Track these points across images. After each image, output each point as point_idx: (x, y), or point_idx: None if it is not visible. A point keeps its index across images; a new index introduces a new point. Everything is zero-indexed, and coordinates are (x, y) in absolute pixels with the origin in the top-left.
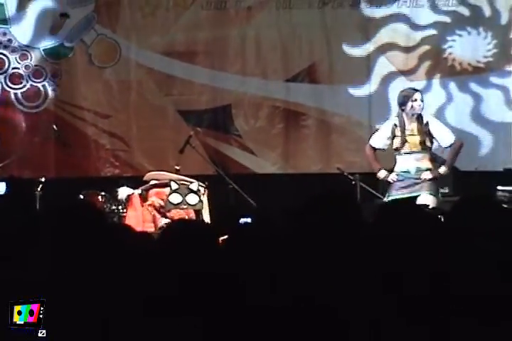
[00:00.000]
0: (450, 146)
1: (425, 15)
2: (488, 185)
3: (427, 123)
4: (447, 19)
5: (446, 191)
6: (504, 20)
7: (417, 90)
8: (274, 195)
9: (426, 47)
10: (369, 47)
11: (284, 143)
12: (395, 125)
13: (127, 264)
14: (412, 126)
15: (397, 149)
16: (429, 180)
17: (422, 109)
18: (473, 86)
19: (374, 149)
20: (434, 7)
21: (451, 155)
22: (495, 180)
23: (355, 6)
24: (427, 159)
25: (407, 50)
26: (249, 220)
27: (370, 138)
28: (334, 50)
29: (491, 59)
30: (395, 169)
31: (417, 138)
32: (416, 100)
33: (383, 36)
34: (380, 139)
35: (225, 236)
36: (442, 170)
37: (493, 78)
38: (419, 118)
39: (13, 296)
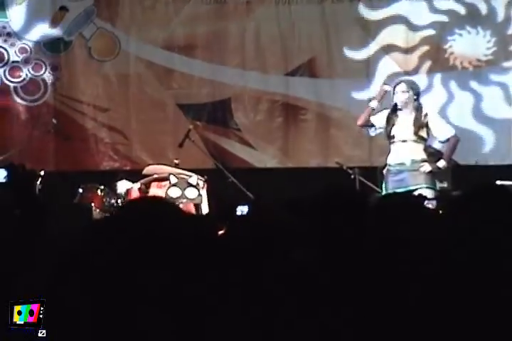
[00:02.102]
0: (446, 141)
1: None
2: (488, 179)
3: (426, 114)
4: (445, 18)
5: (445, 186)
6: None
7: (401, 82)
8: (273, 189)
9: (425, 48)
10: (368, 41)
11: (284, 137)
12: (391, 112)
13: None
14: (407, 116)
15: (391, 137)
16: (427, 172)
17: (414, 100)
18: (474, 83)
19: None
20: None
21: (449, 150)
22: (495, 174)
23: (355, 0)
24: (421, 150)
25: (408, 48)
26: (246, 209)
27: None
28: (333, 44)
29: (490, 57)
30: (389, 160)
31: (412, 128)
32: (397, 92)
33: (383, 31)
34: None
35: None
36: (441, 164)
37: (492, 75)
38: (418, 108)
39: (14, 293)
